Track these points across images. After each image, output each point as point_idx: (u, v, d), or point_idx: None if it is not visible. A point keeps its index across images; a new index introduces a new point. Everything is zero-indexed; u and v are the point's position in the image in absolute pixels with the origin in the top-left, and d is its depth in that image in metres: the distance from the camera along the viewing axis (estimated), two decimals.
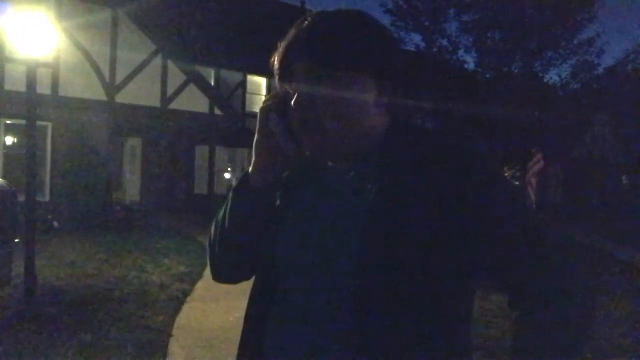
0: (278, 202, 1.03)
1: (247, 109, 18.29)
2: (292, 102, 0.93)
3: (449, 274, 0.87)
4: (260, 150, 1.01)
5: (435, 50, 15.82)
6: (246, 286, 1.06)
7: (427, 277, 0.86)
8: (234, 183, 1.09)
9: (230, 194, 1.06)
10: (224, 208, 1.07)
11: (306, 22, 0.95)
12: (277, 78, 0.97)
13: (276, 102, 0.98)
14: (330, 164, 1.01)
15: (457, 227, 0.85)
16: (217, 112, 15.14)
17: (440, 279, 0.87)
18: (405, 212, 0.86)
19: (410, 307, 0.86)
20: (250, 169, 1.04)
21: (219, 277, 1.13)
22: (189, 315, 5.07)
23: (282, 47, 0.96)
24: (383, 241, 0.86)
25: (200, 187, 14.94)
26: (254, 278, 1.06)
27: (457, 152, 0.90)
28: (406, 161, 0.90)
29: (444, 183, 0.86)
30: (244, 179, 1.05)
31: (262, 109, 0.99)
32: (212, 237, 1.09)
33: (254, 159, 1.02)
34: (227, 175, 16.42)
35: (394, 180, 0.89)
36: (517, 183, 14.96)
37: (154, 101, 13.96)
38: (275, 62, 0.97)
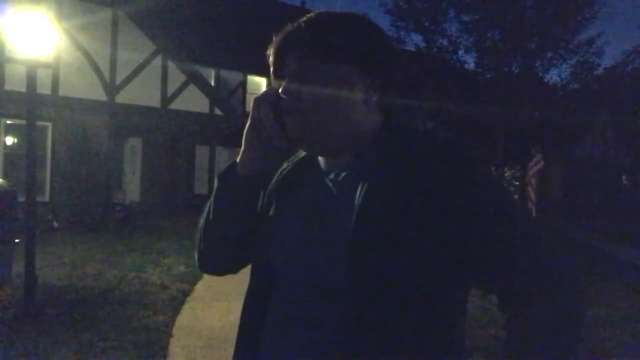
0: (274, 204, 1.03)
1: (247, 109, 18.27)
2: (280, 90, 0.94)
3: (439, 274, 0.87)
4: (250, 139, 1.02)
5: (435, 50, 15.83)
6: (246, 286, 1.06)
7: (418, 277, 0.86)
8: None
9: (216, 181, 1.07)
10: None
11: (302, 18, 0.97)
12: (271, 70, 0.99)
13: (270, 93, 0.98)
14: (322, 164, 1.01)
15: (446, 228, 0.85)
16: (217, 112, 15.15)
17: (430, 279, 0.87)
18: (392, 214, 0.86)
19: (402, 306, 0.86)
20: (238, 157, 1.04)
21: (203, 267, 1.15)
22: (189, 315, 5.07)
23: (276, 38, 0.97)
24: (372, 241, 0.86)
25: (200, 187, 14.94)
26: (250, 278, 1.06)
27: (446, 154, 0.90)
28: (396, 162, 0.90)
29: (432, 185, 0.86)
30: (231, 167, 1.05)
31: (255, 99, 1.00)
32: (199, 225, 1.10)
33: (242, 147, 1.03)
34: None
35: (384, 181, 0.89)
36: (517, 183, 14.99)
37: (154, 101, 13.97)
38: (270, 53, 0.98)
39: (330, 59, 0.92)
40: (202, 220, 1.09)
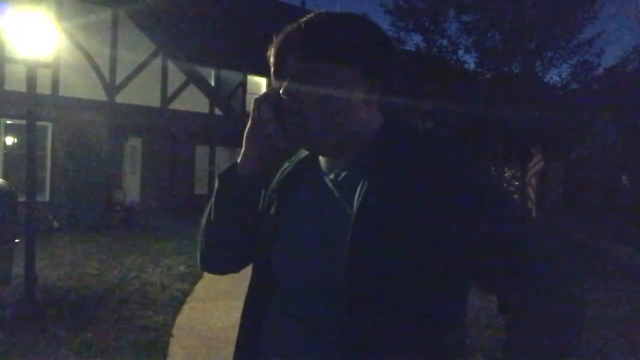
0: (275, 204, 1.03)
1: (247, 109, 18.28)
2: (281, 91, 0.94)
3: (438, 275, 0.87)
4: (250, 140, 1.03)
5: (435, 50, 15.83)
6: (246, 286, 1.06)
7: (417, 277, 0.86)
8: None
9: (216, 181, 1.07)
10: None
11: (302, 19, 0.97)
12: (271, 71, 0.99)
13: (271, 93, 0.99)
14: (323, 164, 1.01)
15: (446, 228, 0.85)
16: (217, 112, 15.15)
17: (430, 279, 0.87)
18: (391, 214, 0.86)
19: (401, 306, 0.86)
20: (239, 158, 1.05)
21: (205, 266, 1.15)
22: (189, 315, 5.07)
23: (277, 39, 0.98)
24: (372, 241, 0.86)
25: (200, 187, 14.94)
26: (251, 278, 1.06)
27: (446, 155, 0.90)
28: (396, 162, 0.90)
29: (432, 185, 0.86)
30: (231, 168, 1.06)
31: (256, 99, 1.01)
32: (202, 225, 1.11)
33: (243, 147, 1.04)
34: None
35: (383, 181, 0.89)
36: (517, 183, 14.98)
37: (154, 101, 13.97)
38: (270, 54, 0.98)
39: (330, 60, 0.93)
40: (203, 220, 1.10)
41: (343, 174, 0.96)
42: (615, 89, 15.69)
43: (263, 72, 17.75)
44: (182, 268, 7.10)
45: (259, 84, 18.90)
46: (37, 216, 6.72)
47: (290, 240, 0.98)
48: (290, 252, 0.97)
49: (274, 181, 1.07)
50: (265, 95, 1.00)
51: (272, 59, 0.98)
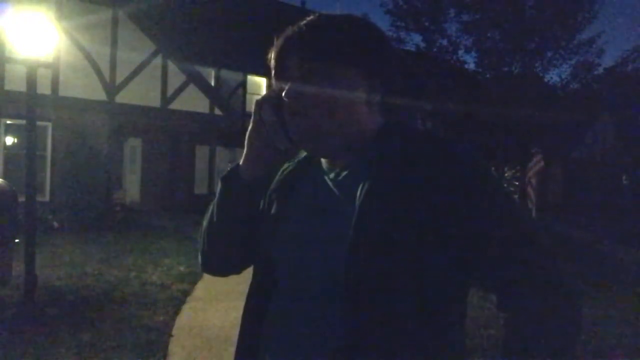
0: (275, 204, 1.04)
1: (247, 109, 18.26)
2: (283, 94, 0.94)
3: (439, 274, 0.88)
4: (252, 142, 1.03)
5: (435, 50, 15.82)
6: (246, 286, 1.06)
7: (416, 277, 0.86)
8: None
9: (219, 184, 1.08)
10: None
11: (303, 20, 0.97)
12: (272, 73, 0.99)
13: (272, 95, 0.99)
14: (324, 164, 1.02)
15: (445, 228, 0.86)
16: (217, 112, 15.15)
17: (429, 279, 0.87)
18: (392, 214, 0.87)
19: (400, 306, 0.86)
20: (241, 160, 1.05)
21: (206, 268, 1.16)
22: (189, 315, 5.07)
23: (278, 41, 0.98)
24: (372, 241, 0.86)
25: (200, 187, 14.95)
26: (250, 277, 1.07)
27: (446, 154, 0.90)
28: (396, 162, 0.90)
29: (433, 184, 0.87)
30: (234, 170, 1.06)
31: (257, 101, 1.01)
32: (203, 227, 1.11)
33: (245, 150, 1.04)
34: None
35: (384, 181, 0.89)
36: (517, 183, 14.99)
37: (154, 101, 13.97)
38: (271, 56, 0.99)
39: (331, 61, 0.93)
40: (205, 222, 1.11)
41: (343, 174, 0.97)
42: (615, 89, 15.69)
43: (263, 72, 17.74)
44: (182, 268, 7.10)
45: (259, 84, 18.89)
46: (37, 216, 6.72)
47: (291, 240, 0.98)
48: (291, 252, 0.97)
49: (274, 181, 1.07)
50: (267, 96, 1.00)
51: (273, 61, 0.98)
